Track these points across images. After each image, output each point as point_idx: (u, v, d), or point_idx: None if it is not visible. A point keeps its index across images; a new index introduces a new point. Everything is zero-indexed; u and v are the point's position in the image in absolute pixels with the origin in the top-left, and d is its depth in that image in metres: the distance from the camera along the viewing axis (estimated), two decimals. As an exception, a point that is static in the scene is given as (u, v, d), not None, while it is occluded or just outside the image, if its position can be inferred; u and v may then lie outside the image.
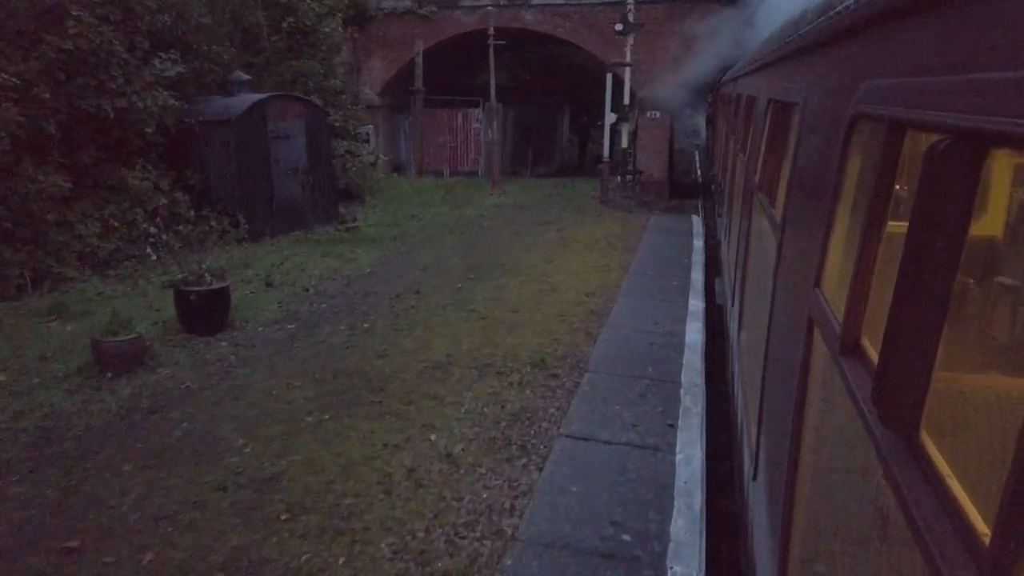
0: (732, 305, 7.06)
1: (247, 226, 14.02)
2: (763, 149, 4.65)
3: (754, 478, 3.38)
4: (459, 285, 10.85)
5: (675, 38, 25.65)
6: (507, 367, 7.69)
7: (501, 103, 28.07)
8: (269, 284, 11.06)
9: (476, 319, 9.18)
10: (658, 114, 25.92)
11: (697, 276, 12.06)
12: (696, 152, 47.02)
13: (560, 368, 7.70)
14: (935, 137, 1.29)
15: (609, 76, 21.24)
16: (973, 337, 1.60)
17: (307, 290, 10.78)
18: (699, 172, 36.93)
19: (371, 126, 28.41)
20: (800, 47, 3.13)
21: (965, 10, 1.32)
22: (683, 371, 7.79)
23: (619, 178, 24.11)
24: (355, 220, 16.57)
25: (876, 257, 1.71)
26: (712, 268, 12.49)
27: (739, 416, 5.00)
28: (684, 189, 28.08)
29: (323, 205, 15.95)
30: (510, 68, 37.15)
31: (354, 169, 19.56)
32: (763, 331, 3.29)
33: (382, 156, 27.49)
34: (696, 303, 10.71)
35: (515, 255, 12.97)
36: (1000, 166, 1.66)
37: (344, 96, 20.35)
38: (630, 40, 22.58)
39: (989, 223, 1.79)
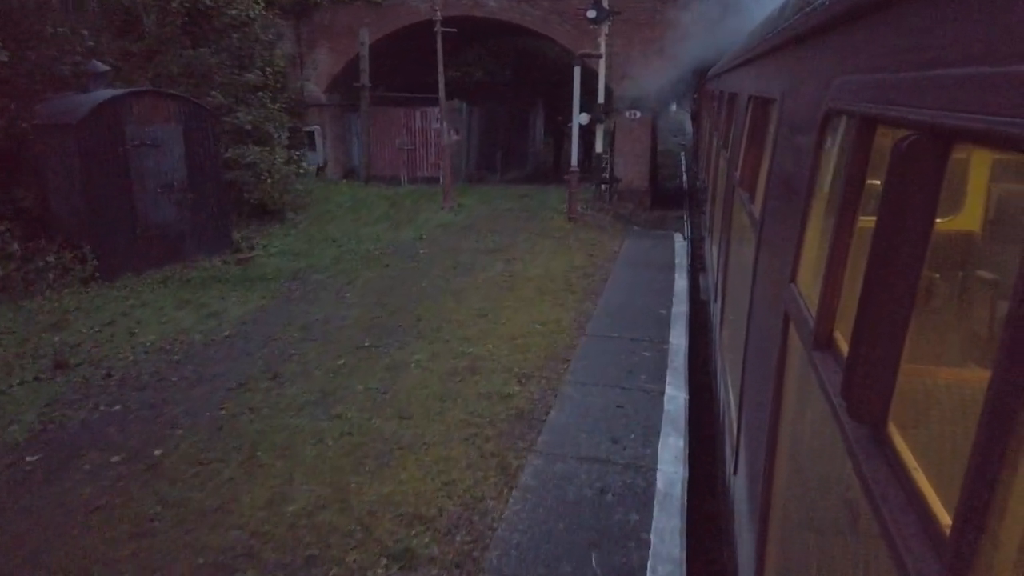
0: (715, 301, 6.90)
1: (97, 261, 11.32)
2: (743, 146, 4.60)
3: (735, 472, 3.33)
4: (341, 361, 8.22)
5: (658, 27, 22.58)
6: (348, 560, 4.75)
7: (465, 101, 26.83)
8: (59, 365, 7.92)
9: (336, 437, 6.41)
10: (638, 114, 23.31)
11: (679, 340, 8.91)
12: (682, 153, 39.48)
13: (439, 562, 4.71)
14: (903, 133, 1.31)
15: (577, 70, 18.56)
16: (940, 330, 1.62)
17: (110, 375, 7.84)
18: (685, 176, 34.31)
19: (317, 127, 25.68)
20: (778, 44, 3.08)
21: (930, 8, 1.34)
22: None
23: (594, 187, 21.79)
24: (253, 249, 14.35)
25: (848, 252, 1.70)
26: (701, 326, 9.93)
27: (722, 412, 4.78)
28: (668, 197, 26.08)
29: (211, 230, 13.50)
30: (482, 63, 32.31)
31: (270, 181, 17.00)
32: (743, 327, 3.27)
33: (319, 162, 25.68)
34: (676, 394, 7.31)
35: (440, 304, 10.54)
36: (966, 162, 1.90)
37: (264, 93, 18.49)
38: (604, 29, 20.02)
39: (954, 218, 2.05)
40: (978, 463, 0.90)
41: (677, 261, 13.12)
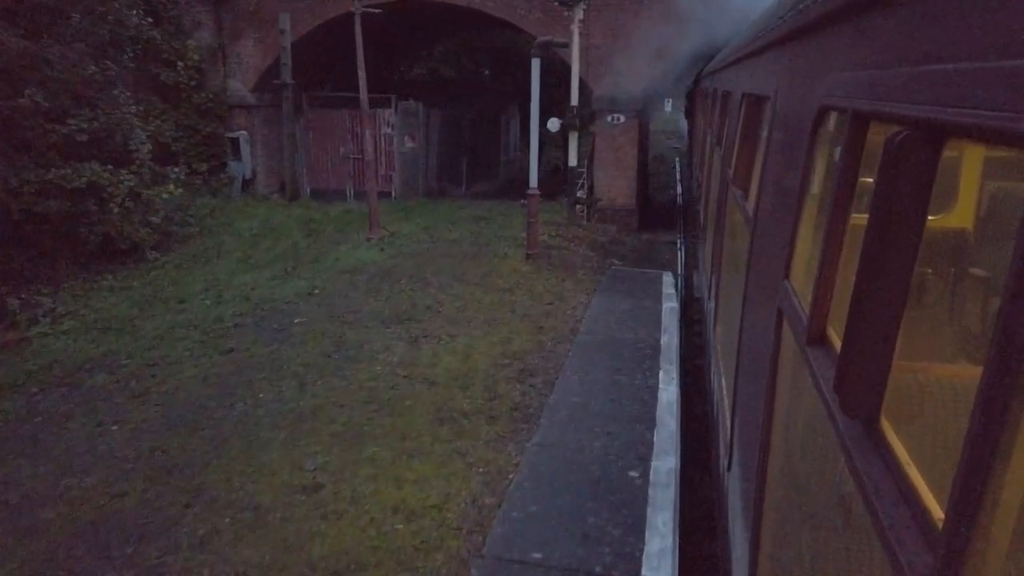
0: (709, 299, 7.10)
1: None
2: (737, 143, 4.66)
3: (728, 468, 3.33)
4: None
5: (646, 14, 17.79)
6: None
7: (425, 102, 22.61)
8: None
9: None
10: (622, 118, 18.63)
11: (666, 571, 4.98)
12: (677, 159, 40.75)
13: None
14: (896, 129, 1.33)
15: (536, 64, 13.91)
16: (932, 326, 1.66)
17: None
18: (680, 186, 29.14)
19: (243, 132, 21.50)
20: (771, 41, 3.13)
21: (922, 4, 1.37)
22: None
23: (567, 208, 17.77)
24: (36, 320, 9.93)
25: (841, 248, 1.72)
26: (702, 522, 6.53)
27: (716, 409, 4.86)
28: (660, 214, 22.16)
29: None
30: (454, 60, 26.51)
31: (118, 211, 12.65)
32: (737, 324, 3.33)
33: (245, 174, 21.43)
34: None
35: (254, 457, 6.65)
36: (959, 159, 1.90)
37: (120, 91, 13.63)
38: (578, 14, 16.06)
39: (947, 215, 2.02)
40: (970, 457, 0.90)
41: (664, 339, 9.84)
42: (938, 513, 1.05)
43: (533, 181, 13.92)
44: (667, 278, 13.01)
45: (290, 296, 11.14)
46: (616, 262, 14.84)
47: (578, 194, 18.18)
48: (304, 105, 21.74)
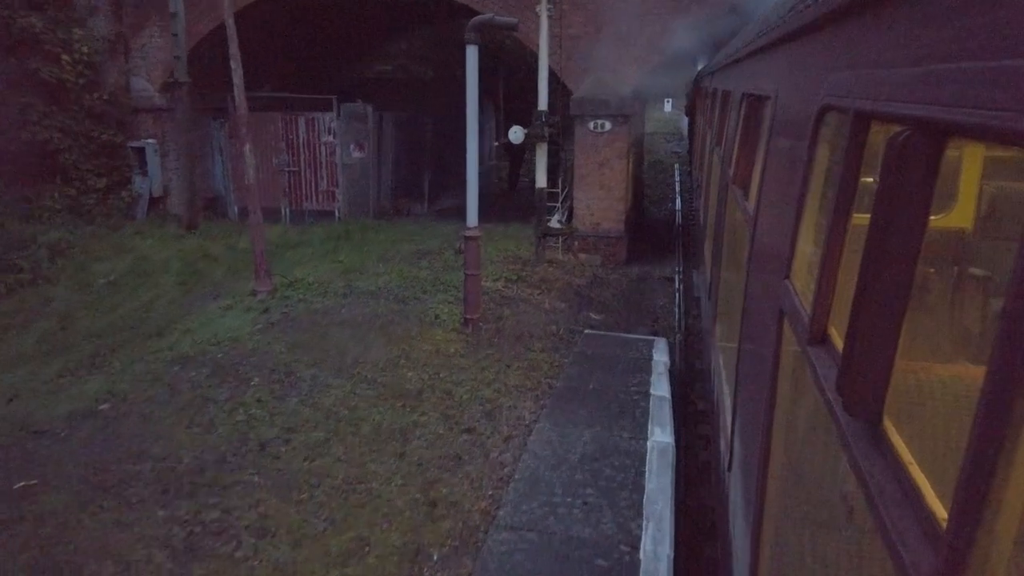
0: (708, 298, 7.13)
1: None
2: (737, 143, 4.70)
3: (729, 468, 3.33)
4: None
5: None
6: None
7: (376, 103, 18.66)
8: None
9: None
10: (607, 125, 15.00)
11: None
12: (676, 166, 36.15)
13: None
14: (898, 129, 1.38)
15: (472, 52, 9.75)
16: (934, 326, 1.65)
17: None
18: (680, 200, 24.18)
19: (150, 141, 17.29)
20: (772, 40, 3.17)
21: (924, 3, 1.39)
22: None
23: (536, 242, 14.34)
24: None
25: (843, 248, 1.76)
26: None
27: (717, 408, 4.91)
28: (655, 237, 18.57)
29: None
30: (423, 56, 21.44)
31: None
32: (738, 323, 3.36)
33: (152, 191, 17.12)
34: None
35: None
36: (962, 159, 1.87)
37: None
38: None
39: (949, 214, 1.93)
40: (974, 458, 0.91)
41: (646, 546, 5.22)
42: (941, 513, 1.07)
43: (471, 218, 9.49)
44: (658, 354, 9.56)
45: (58, 417, 6.90)
46: (593, 317, 12.28)
47: (551, 222, 13.63)
48: (230, 108, 17.30)
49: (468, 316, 9.88)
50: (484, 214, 19.99)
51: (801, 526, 1.98)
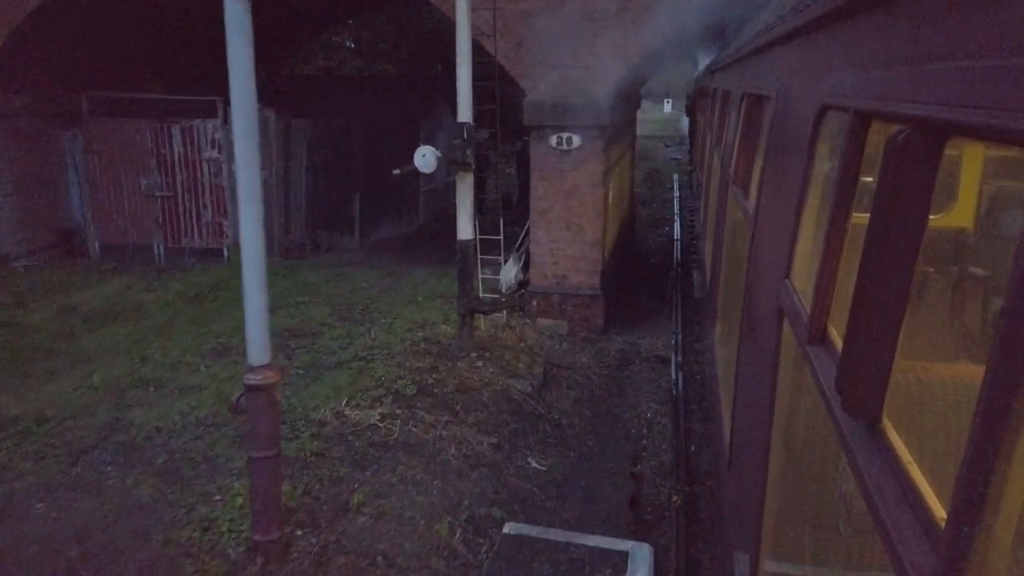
0: (710, 300, 7.06)
1: None
2: (737, 142, 4.70)
3: (729, 468, 3.31)
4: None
5: None
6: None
7: (273, 107, 13.92)
8: None
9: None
10: (575, 140, 10.85)
11: None
12: (676, 176, 30.09)
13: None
14: (897, 128, 1.37)
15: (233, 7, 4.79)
16: (934, 325, 1.66)
17: None
18: (679, 221, 19.19)
19: None
20: (772, 40, 3.14)
21: (924, 2, 1.39)
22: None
23: (459, 321, 9.41)
24: None
25: (842, 247, 1.75)
26: None
27: (718, 407, 4.89)
28: (647, 277, 14.55)
29: None
30: (370, 49, 16.04)
31: None
32: (737, 323, 3.34)
33: None
34: None
35: None
36: (960, 159, 1.85)
37: None
38: None
39: (948, 214, 1.92)
40: (972, 457, 0.91)
41: None
42: (940, 512, 1.07)
43: (253, 352, 4.52)
44: None
45: None
46: (534, 464, 7.21)
47: (505, 279, 9.37)
48: (84, 113, 12.54)
49: (258, 538, 5.04)
50: (436, 243, 15.09)
51: (801, 525, 1.99)
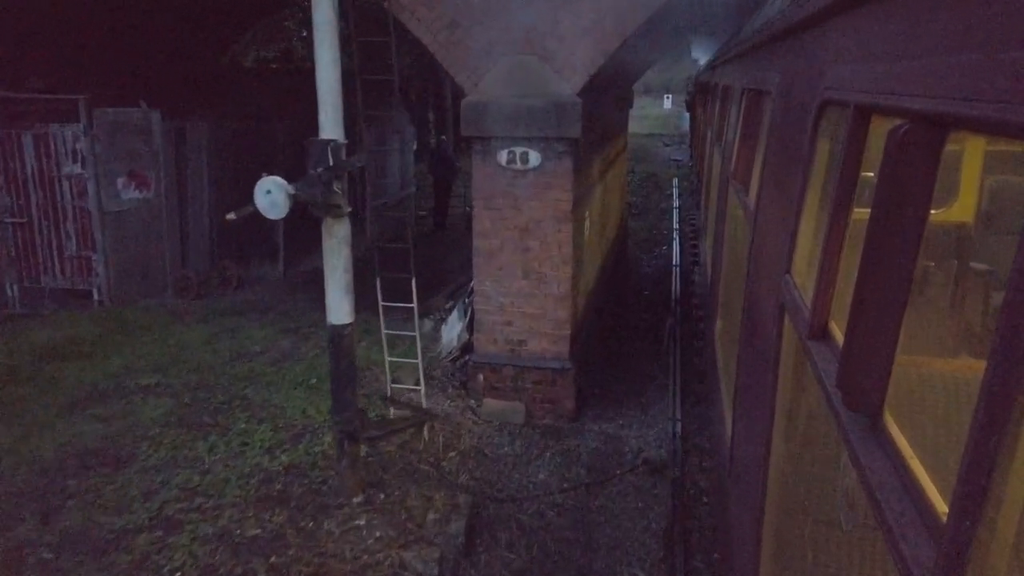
0: (710, 294, 6.91)
1: None
2: (738, 138, 4.62)
3: (731, 462, 3.26)
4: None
5: None
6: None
7: (158, 107, 11.31)
8: None
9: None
10: (534, 156, 7.55)
11: None
12: (676, 181, 27.15)
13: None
14: (897, 122, 1.35)
15: None
16: (935, 320, 1.63)
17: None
18: (678, 238, 16.38)
19: None
20: (772, 34, 3.10)
21: None
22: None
23: (337, 448, 6.03)
24: None
25: (843, 242, 1.73)
26: None
27: (720, 404, 4.77)
28: (639, 315, 12.09)
29: None
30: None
31: None
32: (738, 318, 3.30)
33: None
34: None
35: None
36: (961, 153, 1.83)
37: None
38: None
39: (949, 209, 1.92)
40: (974, 451, 0.91)
41: None
42: (942, 507, 1.06)
43: None
44: None
45: None
46: None
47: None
48: None
49: None
50: (370, 282, 12.28)
51: (803, 520, 1.97)
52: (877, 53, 1.54)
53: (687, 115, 29.93)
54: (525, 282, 8.30)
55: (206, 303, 11.66)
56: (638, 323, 12.20)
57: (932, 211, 1.31)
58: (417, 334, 7.75)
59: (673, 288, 13.51)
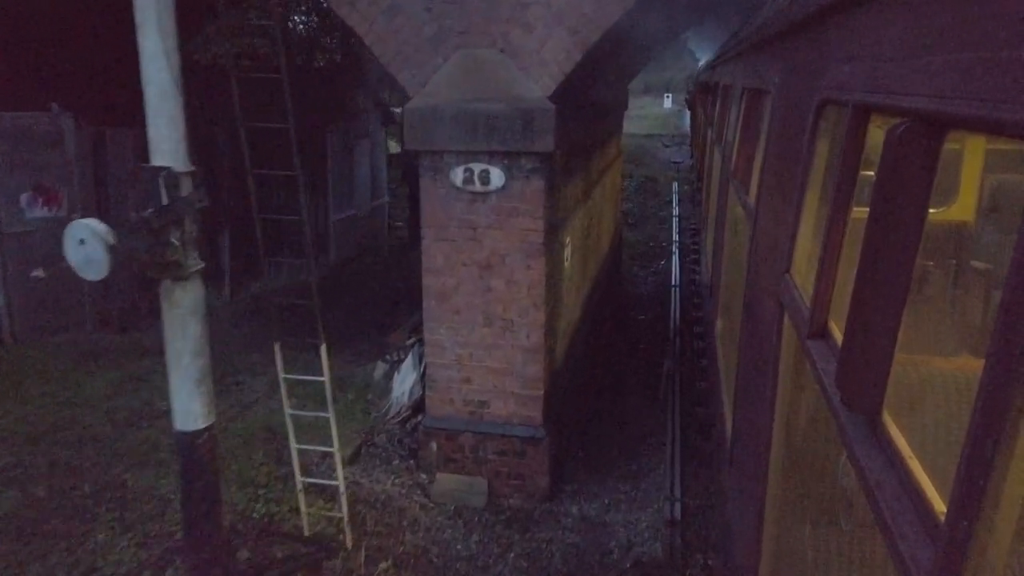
0: (711, 294, 6.83)
1: None
2: (738, 137, 4.63)
3: (730, 463, 3.24)
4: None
5: None
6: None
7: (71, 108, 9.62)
8: None
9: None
10: (496, 175, 6.04)
11: None
12: (676, 186, 23.93)
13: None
14: (896, 121, 1.35)
15: None
16: (934, 319, 1.62)
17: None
18: (677, 252, 14.23)
19: None
20: (772, 34, 3.07)
21: None
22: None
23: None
24: None
25: (842, 241, 1.72)
26: None
27: (720, 403, 4.76)
28: (635, 354, 10.41)
29: None
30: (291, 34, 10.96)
31: None
32: (738, 318, 3.31)
33: None
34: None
35: None
36: (960, 152, 1.84)
37: None
38: None
39: (948, 208, 1.90)
40: (972, 451, 0.91)
41: None
42: (940, 506, 1.05)
43: None
44: None
45: None
46: None
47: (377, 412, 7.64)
48: None
49: None
50: (332, 309, 9.49)
51: (802, 519, 1.96)
52: (876, 52, 1.54)
53: (688, 114, 28.57)
54: (487, 330, 6.78)
55: (129, 338, 9.91)
56: (631, 359, 10.56)
57: (932, 210, 1.30)
58: (335, 438, 5.57)
59: (672, 315, 11.62)
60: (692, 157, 22.20)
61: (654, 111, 42.31)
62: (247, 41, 14.30)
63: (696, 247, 12.38)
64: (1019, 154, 1.48)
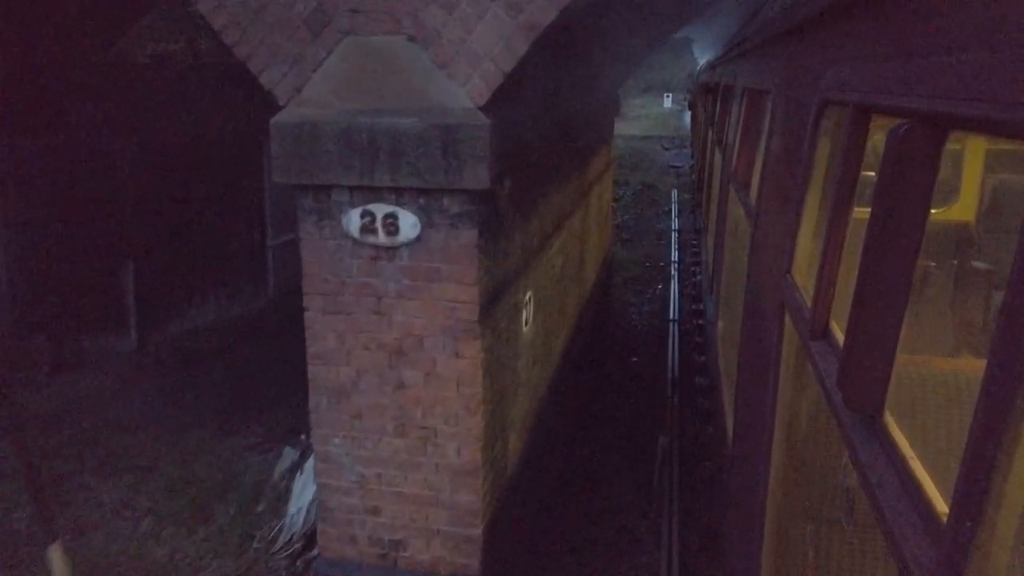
0: (711, 294, 6.90)
1: None
2: (739, 138, 4.60)
3: (731, 463, 3.20)
4: None
5: None
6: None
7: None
8: None
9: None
10: (410, 222, 3.94)
11: None
12: (675, 195, 21.68)
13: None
14: (897, 121, 1.35)
15: None
16: (935, 320, 1.60)
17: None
18: (677, 276, 12.85)
19: None
20: (772, 35, 3.05)
21: None
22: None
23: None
24: None
25: (844, 242, 1.73)
26: None
27: (721, 403, 4.67)
28: (624, 416, 8.21)
29: None
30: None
31: None
32: (739, 318, 3.27)
33: None
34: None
35: None
36: (961, 152, 1.87)
37: None
38: None
39: (949, 208, 1.89)
40: (974, 451, 0.91)
41: None
42: (942, 507, 1.05)
43: None
44: None
45: None
46: None
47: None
48: None
49: None
50: (269, 357, 8.29)
51: (804, 520, 1.94)
52: (877, 52, 1.55)
53: (688, 114, 27.03)
54: (401, 442, 4.63)
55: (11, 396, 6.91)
56: (617, 425, 8.04)
57: (933, 211, 1.33)
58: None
59: (670, 360, 9.44)
60: (693, 157, 21.39)
61: (654, 111, 40.99)
62: (189, 36, 12.29)
63: (696, 264, 11.14)
64: (1019, 154, 1.50)
